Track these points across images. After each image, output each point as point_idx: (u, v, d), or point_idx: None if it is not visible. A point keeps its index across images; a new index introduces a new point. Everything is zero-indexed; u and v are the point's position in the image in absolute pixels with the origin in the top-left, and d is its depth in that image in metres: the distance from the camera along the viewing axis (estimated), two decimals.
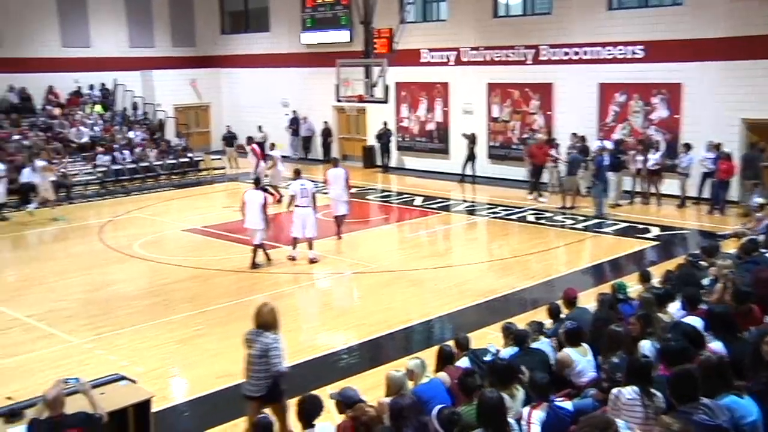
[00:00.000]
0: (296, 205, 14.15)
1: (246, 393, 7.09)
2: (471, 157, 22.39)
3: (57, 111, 25.97)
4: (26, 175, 19.51)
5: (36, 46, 26.54)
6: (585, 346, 7.05)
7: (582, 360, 6.90)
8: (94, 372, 8.17)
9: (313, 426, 5.68)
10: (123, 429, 6.83)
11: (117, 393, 6.79)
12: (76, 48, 27.46)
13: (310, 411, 5.70)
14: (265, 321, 7.03)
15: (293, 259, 14.31)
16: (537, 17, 21.94)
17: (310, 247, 14.32)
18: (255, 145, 21.05)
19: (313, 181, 15.68)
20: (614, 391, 5.45)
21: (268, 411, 6.80)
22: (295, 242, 14.36)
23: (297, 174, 14.91)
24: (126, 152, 23.95)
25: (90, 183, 22.91)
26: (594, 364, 6.93)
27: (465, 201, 20.39)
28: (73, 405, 6.03)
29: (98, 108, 27.32)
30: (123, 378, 7.19)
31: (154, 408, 7.07)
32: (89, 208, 20.32)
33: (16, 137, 23.11)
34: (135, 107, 28.47)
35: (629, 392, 5.34)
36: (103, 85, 28.35)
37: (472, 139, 22.35)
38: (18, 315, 11.61)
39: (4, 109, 25.45)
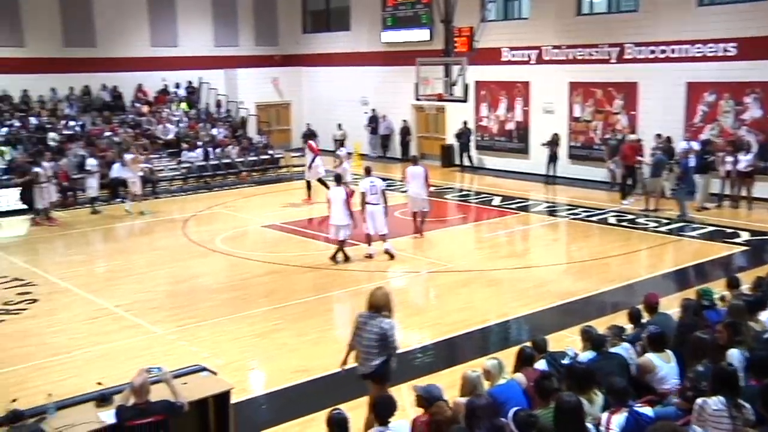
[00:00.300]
0: (366, 203, 14.26)
1: (361, 373, 7.36)
2: (553, 158, 22.03)
3: (145, 108, 26.87)
4: (116, 171, 20.31)
5: (127, 46, 27.56)
6: (668, 352, 6.84)
7: (665, 366, 6.70)
8: (176, 362, 8.41)
9: (387, 424, 5.70)
10: (203, 419, 7.01)
11: (198, 383, 6.98)
12: (164, 47, 28.39)
13: (383, 411, 5.73)
14: (378, 303, 7.28)
15: (370, 256, 14.39)
16: (622, 14, 21.42)
17: (384, 240, 14.43)
18: (311, 142, 21.27)
19: (384, 179, 15.69)
20: (699, 401, 5.26)
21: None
22: (369, 239, 14.45)
23: (367, 172, 15.08)
24: (210, 149, 24.57)
25: (175, 178, 23.62)
26: (677, 371, 6.72)
27: (544, 201, 20.08)
28: (157, 393, 6.24)
29: (183, 105, 28.14)
30: (204, 369, 7.37)
31: (233, 399, 7.23)
32: (173, 203, 20.94)
33: (108, 134, 24.04)
34: (219, 105, 29.19)
35: (715, 403, 5.15)
36: (189, 83, 29.19)
37: (554, 141, 21.98)
38: (107, 305, 12.07)
39: (98, 106, 26.50)
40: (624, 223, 17.12)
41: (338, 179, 14.66)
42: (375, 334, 7.13)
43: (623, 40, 20.96)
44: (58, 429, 6.05)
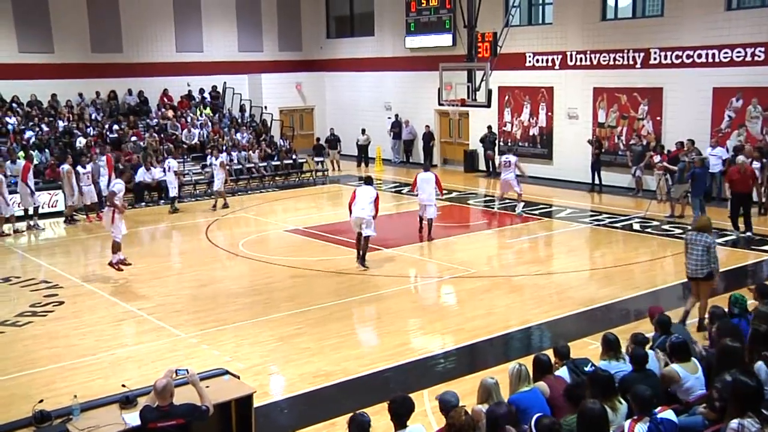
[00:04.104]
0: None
1: (691, 275, 10.20)
2: (596, 165, 21.67)
3: (170, 113, 27.08)
4: (140, 175, 20.54)
5: (153, 51, 27.89)
6: (695, 362, 6.73)
7: (690, 377, 6.58)
8: (199, 366, 8.46)
9: (405, 426, 5.66)
10: (226, 422, 7.04)
11: (220, 387, 7.01)
12: (189, 53, 28.71)
13: (399, 411, 5.65)
14: (705, 227, 10.04)
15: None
16: (647, 19, 21.25)
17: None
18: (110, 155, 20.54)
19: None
20: (734, 424, 5.11)
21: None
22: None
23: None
24: (234, 153, 24.70)
25: (198, 183, 23.77)
26: (704, 381, 6.61)
27: (568, 207, 19.94)
28: (183, 396, 6.27)
29: (207, 110, 28.34)
30: (227, 372, 7.41)
31: (255, 403, 7.26)
32: (197, 207, 21.06)
33: (133, 138, 24.25)
34: (242, 110, 29.37)
35: (752, 424, 4.99)
36: (214, 87, 29.42)
37: (599, 141, 21.71)
38: (131, 308, 12.18)
39: (124, 111, 26.77)
40: (648, 230, 16.97)
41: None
42: (702, 246, 9.91)
43: (648, 45, 20.81)
44: (83, 430, 6.12)
